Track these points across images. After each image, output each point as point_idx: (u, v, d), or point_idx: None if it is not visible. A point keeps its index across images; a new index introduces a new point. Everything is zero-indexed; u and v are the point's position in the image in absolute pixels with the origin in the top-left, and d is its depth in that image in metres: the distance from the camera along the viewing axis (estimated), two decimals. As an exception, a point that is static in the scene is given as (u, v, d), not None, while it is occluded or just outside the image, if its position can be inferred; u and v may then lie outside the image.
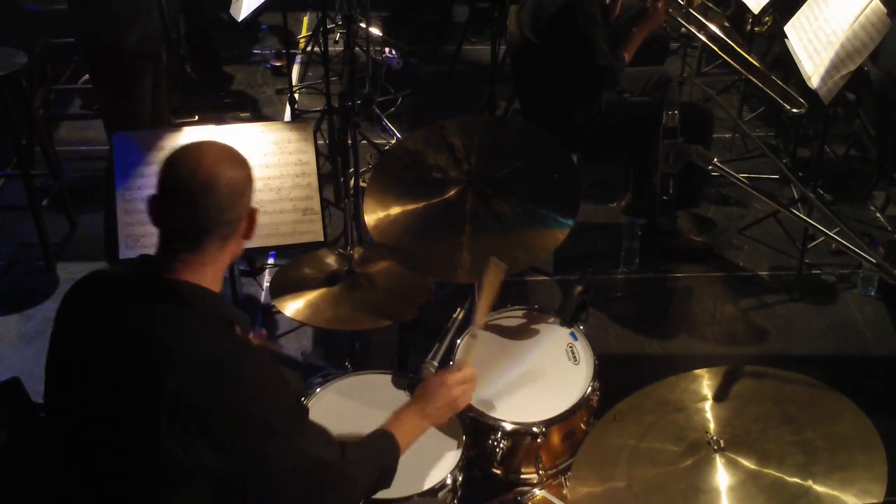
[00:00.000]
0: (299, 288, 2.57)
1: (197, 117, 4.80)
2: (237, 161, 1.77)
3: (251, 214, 1.80)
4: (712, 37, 3.78)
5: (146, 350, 1.64)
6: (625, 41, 3.70)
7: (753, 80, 3.67)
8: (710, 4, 4.15)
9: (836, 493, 1.70)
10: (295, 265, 2.71)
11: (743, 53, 3.70)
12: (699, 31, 3.80)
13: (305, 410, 1.85)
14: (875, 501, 1.66)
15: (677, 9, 3.82)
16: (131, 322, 1.67)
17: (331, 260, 2.70)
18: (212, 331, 1.68)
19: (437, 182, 2.59)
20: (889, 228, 4.18)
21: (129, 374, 1.63)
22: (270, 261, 3.88)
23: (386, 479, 1.91)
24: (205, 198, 1.69)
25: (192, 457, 1.60)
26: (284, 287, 2.59)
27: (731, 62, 3.69)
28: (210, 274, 1.75)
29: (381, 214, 2.56)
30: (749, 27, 4.70)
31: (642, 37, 3.77)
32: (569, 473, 2.29)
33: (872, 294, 3.80)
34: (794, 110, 3.50)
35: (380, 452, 1.90)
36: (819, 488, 1.72)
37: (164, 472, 1.61)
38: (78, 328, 1.74)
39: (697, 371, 2.05)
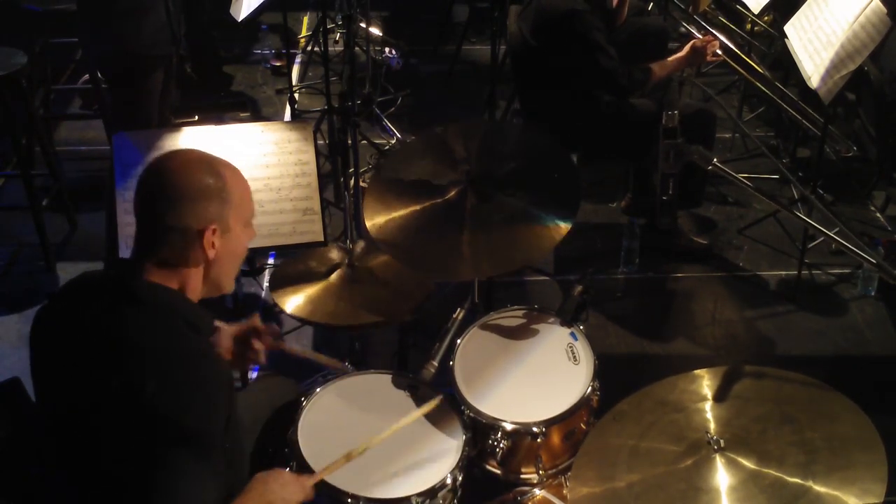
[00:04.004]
0: (299, 282, 2.58)
1: (197, 117, 4.80)
2: (209, 170, 1.77)
3: (216, 227, 1.76)
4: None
5: (104, 349, 1.67)
6: (659, 61, 3.72)
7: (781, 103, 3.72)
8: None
9: (836, 492, 1.70)
10: (295, 260, 2.72)
11: (764, 72, 3.75)
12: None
13: (219, 449, 1.72)
14: (876, 501, 1.66)
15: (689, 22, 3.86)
16: (92, 323, 1.70)
17: (332, 254, 2.70)
18: (167, 329, 1.70)
19: (437, 183, 2.59)
20: (889, 228, 4.18)
21: (91, 374, 1.67)
22: (270, 261, 3.88)
23: None
24: (158, 198, 1.73)
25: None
26: (284, 282, 2.59)
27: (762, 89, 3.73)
28: (175, 279, 1.76)
29: (381, 213, 2.56)
30: (749, 27, 4.71)
31: (674, 70, 3.80)
32: (569, 473, 2.29)
33: (872, 294, 3.80)
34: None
35: None
36: (819, 488, 1.72)
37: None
38: (51, 332, 1.79)
39: (697, 371, 2.05)
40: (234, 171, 1.84)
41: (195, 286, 1.80)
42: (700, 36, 3.96)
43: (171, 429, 1.61)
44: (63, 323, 1.76)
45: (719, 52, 3.80)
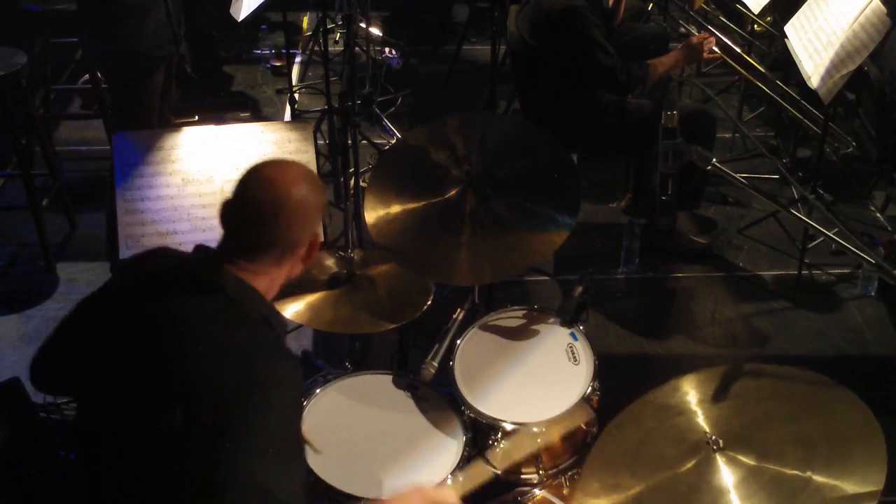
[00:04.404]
0: (299, 290, 2.57)
1: (197, 117, 4.80)
2: (312, 187, 1.80)
3: (313, 241, 1.82)
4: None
5: (180, 337, 1.66)
6: (657, 59, 3.72)
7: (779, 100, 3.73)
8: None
9: (836, 482, 1.70)
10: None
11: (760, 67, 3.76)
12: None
13: (300, 452, 1.75)
14: (875, 488, 1.66)
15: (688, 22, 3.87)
16: (169, 309, 1.69)
17: (331, 262, 2.70)
18: (249, 324, 1.70)
19: (437, 182, 2.59)
20: (889, 228, 4.18)
21: (163, 359, 1.65)
22: (270, 261, 3.88)
23: None
24: (271, 214, 1.74)
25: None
26: (284, 289, 2.58)
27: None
28: (262, 283, 1.77)
29: (381, 213, 2.55)
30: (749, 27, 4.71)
31: (672, 66, 3.80)
32: (569, 473, 2.29)
33: (872, 294, 3.80)
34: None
35: None
36: (819, 479, 1.72)
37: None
38: (123, 316, 1.74)
39: (693, 374, 2.05)
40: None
41: (275, 289, 1.82)
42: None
43: (242, 417, 1.59)
44: (137, 306, 1.73)
45: (716, 49, 3.80)
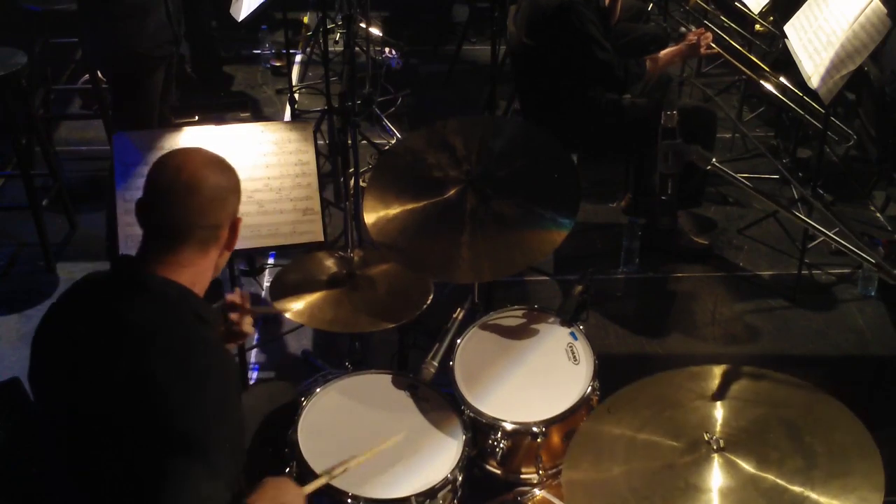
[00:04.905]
0: (299, 290, 2.57)
1: (197, 117, 4.80)
2: (223, 168, 1.81)
3: (234, 225, 1.82)
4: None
5: (111, 337, 1.67)
6: (653, 57, 3.73)
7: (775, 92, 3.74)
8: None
9: (834, 501, 1.70)
10: (295, 267, 2.71)
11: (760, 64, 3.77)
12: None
13: (232, 452, 1.69)
14: None
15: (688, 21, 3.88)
16: (99, 314, 1.70)
17: (331, 262, 2.70)
18: (177, 317, 1.70)
19: (437, 182, 2.59)
20: (889, 228, 4.18)
21: (99, 363, 1.66)
22: (270, 261, 3.88)
23: None
24: (186, 198, 1.73)
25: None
26: (285, 289, 2.59)
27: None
28: (188, 276, 1.76)
29: (381, 213, 2.56)
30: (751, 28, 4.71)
31: (669, 62, 3.82)
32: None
33: (872, 294, 3.80)
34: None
35: None
36: (817, 496, 1.72)
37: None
38: (56, 328, 1.77)
39: (695, 368, 2.05)
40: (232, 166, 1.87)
41: (205, 280, 1.81)
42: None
43: (182, 417, 1.60)
44: (68, 317, 1.75)
45: (713, 45, 3.80)
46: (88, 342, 1.69)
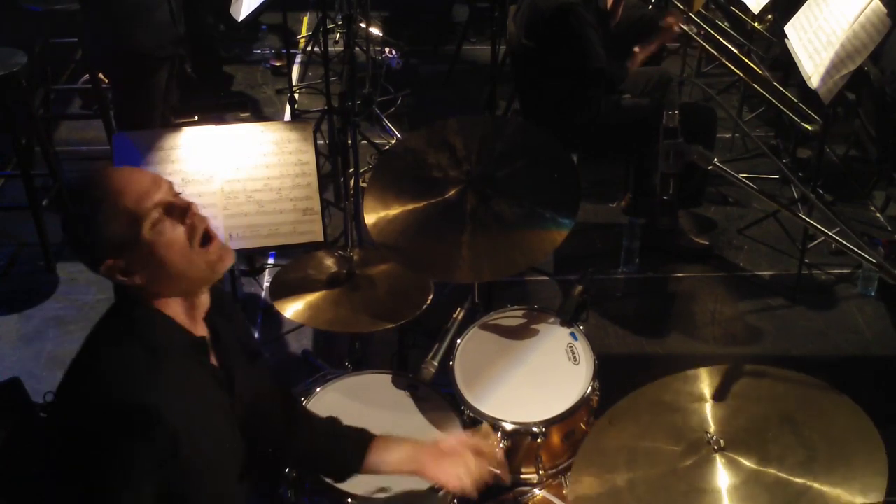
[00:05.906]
0: (299, 290, 2.57)
1: (197, 117, 4.80)
2: (79, 202, 1.70)
3: (115, 264, 1.63)
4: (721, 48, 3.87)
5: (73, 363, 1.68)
6: (631, 56, 3.75)
7: (763, 91, 3.73)
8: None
9: (837, 490, 1.70)
10: (295, 267, 2.71)
11: (753, 66, 3.76)
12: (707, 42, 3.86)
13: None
14: (877, 501, 1.66)
15: (687, 22, 3.88)
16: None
17: (330, 262, 2.70)
18: (114, 343, 1.66)
19: (437, 182, 2.59)
20: (889, 228, 4.18)
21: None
22: (270, 261, 3.88)
23: None
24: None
25: None
26: (284, 289, 2.59)
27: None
28: (161, 304, 1.68)
29: (381, 213, 2.56)
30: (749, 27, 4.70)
31: (649, 52, 3.82)
32: (568, 474, 2.29)
33: (872, 294, 3.80)
34: (808, 126, 3.58)
35: None
36: (820, 486, 1.72)
37: None
38: None
39: (692, 371, 2.05)
40: (101, 182, 1.68)
41: (169, 304, 1.69)
42: (696, 36, 3.96)
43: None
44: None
45: (683, 25, 3.82)
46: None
